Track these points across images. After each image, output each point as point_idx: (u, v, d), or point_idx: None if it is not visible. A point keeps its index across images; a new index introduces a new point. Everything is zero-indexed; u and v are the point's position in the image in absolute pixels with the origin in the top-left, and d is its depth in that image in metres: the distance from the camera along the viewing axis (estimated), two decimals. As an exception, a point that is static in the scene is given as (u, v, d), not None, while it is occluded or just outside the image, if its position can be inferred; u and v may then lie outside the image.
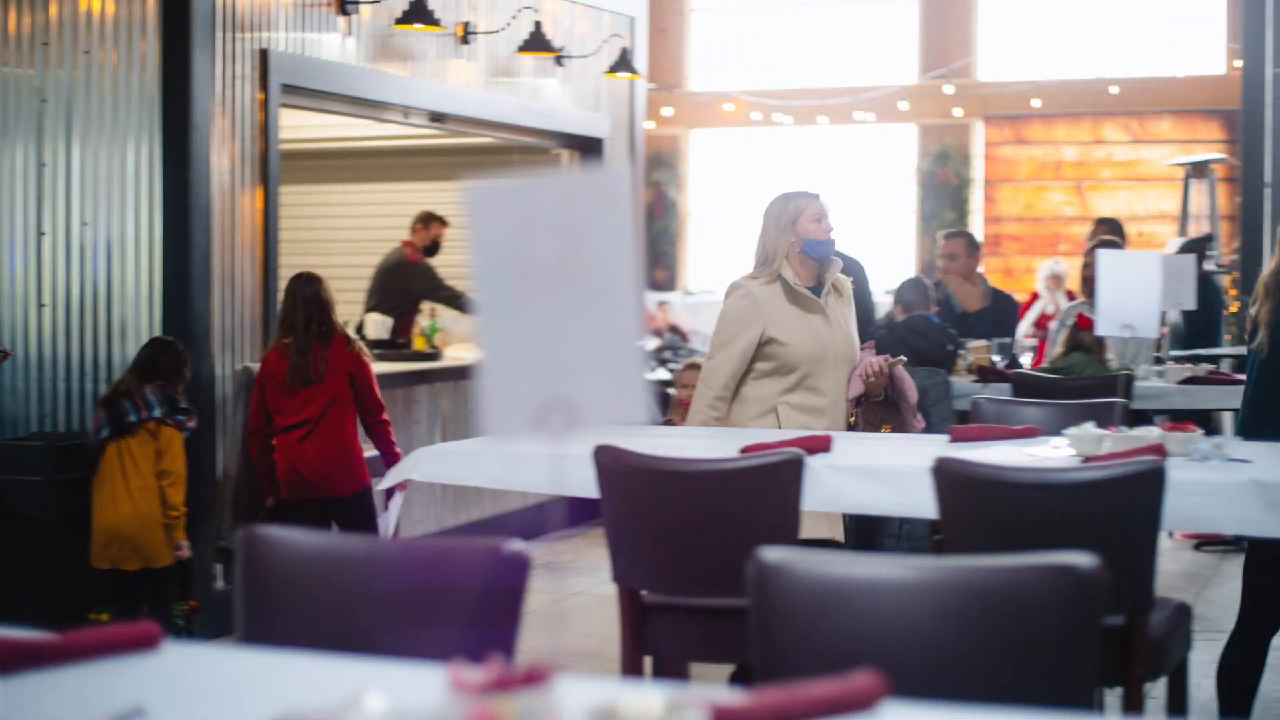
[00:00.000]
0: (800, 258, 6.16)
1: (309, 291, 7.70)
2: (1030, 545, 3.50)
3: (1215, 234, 13.30)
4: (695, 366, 7.66)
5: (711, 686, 3.76)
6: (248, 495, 8.13)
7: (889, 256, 18.49)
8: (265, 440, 7.73)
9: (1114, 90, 18.19)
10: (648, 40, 12.46)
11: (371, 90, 9.43)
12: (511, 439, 5.25)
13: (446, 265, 11.98)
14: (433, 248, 11.87)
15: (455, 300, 11.67)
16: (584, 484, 5.05)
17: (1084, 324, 8.42)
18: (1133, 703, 4.64)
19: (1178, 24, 18.48)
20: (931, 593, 2.85)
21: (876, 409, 6.40)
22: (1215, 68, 18.12)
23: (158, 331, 8.01)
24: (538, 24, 10.30)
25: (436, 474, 5.75)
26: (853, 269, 9.55)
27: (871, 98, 18.89)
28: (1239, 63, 12.78)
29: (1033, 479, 4.50)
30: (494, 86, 10.58)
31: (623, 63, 11.23)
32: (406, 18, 9.25)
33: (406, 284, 11.73)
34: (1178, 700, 5.09)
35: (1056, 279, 13.38)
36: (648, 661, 5.49)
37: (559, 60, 11.10)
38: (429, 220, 11.89)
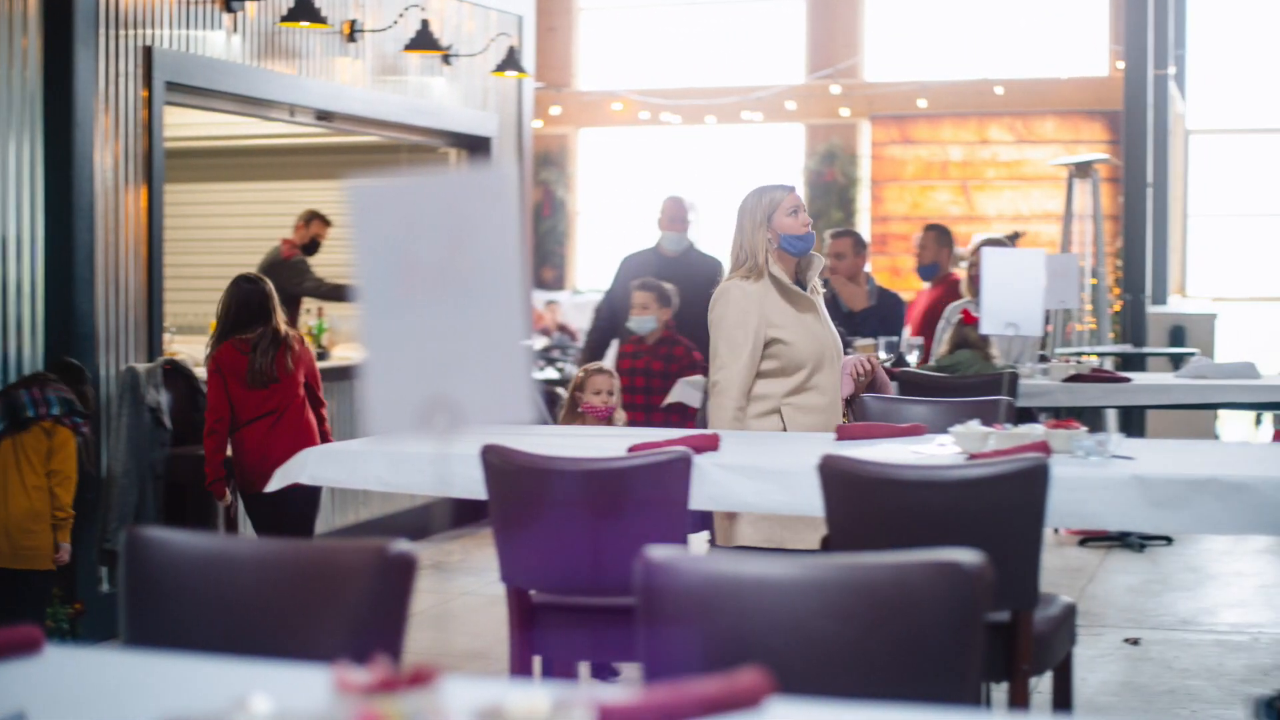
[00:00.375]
0: (778, 253, 6.02)
1: (259, 291, 7.69)
2: (916, 542, 3.53)
3: (1099, 232, 13.45)
4: (604, 371, 7.61)
5: (598, 686, 3.75)
6: (140, 494, 8.06)
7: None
8: (227, 433, 7.69)
9: (999, 91, 18.36)
10: (535, 39, 12.44)
11: (257, 88, 9.34)
12: (397, 439, 5.24)
13: (329, 265, 11.90)
14: (311, 246, 11.81)
15: (328, 293, 11.59)
16: (471, 484, 5.03)
17: (969, 320, 8.50)
18: (1018, 698, 4.68)
19: (1062, 26, 18.68)
20: (818, 590, 2.86)
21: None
22: (1099, 69, 18.33)
23: (40, 331, 7.90)
24: (425, 22, 10.26)
25: (323, 476, 5.70)
26: (711, 269, 9.62)
27: (759, 98, 18.96)
28: (1121, 64, 12.94)
29: (918, 477, 4.53)
30: (380, 85, 10.52)
31: (510, 61, 11.20)
32: (292, 15, 9.17)
33: (279, 280, 11.65)
34: (1062, 695, 5.14)
35: (942, 278, 13.47)
36: (537, 662, 5.48)
37: (446, 59, 11.05)
38: (311, 219, 11.83)
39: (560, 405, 8.25)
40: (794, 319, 5.96)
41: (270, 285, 7.81)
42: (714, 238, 12.30)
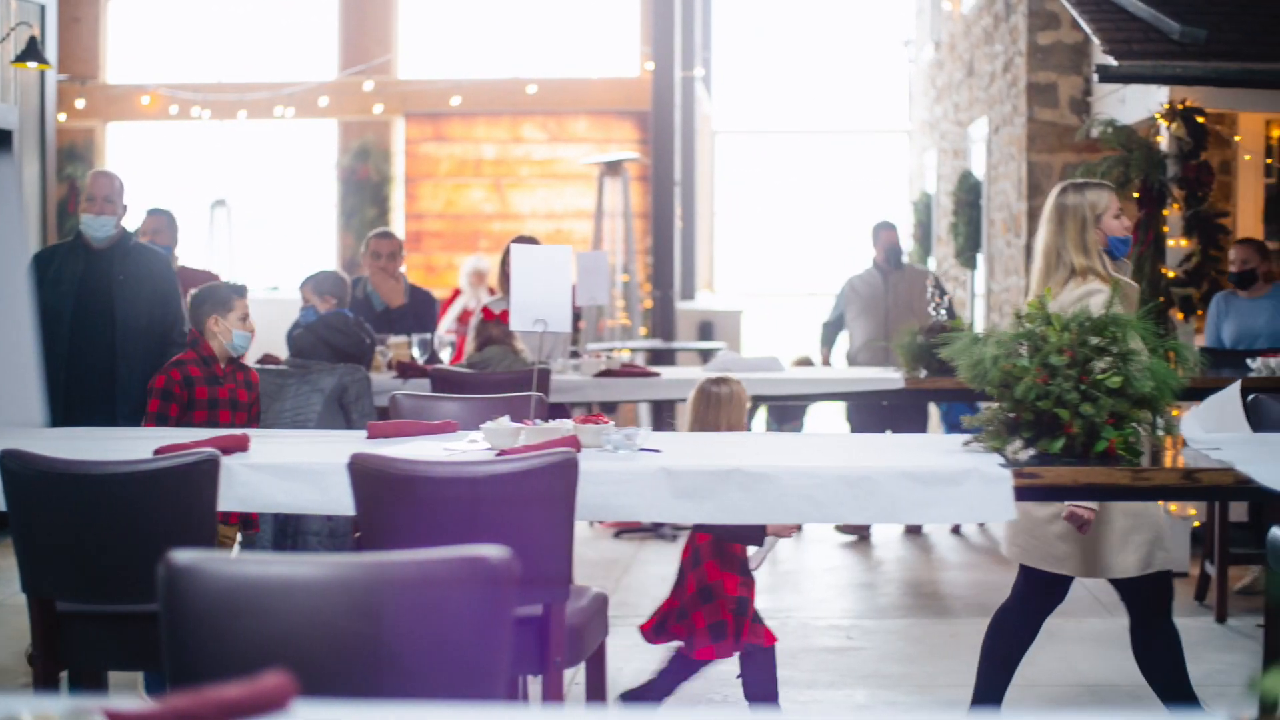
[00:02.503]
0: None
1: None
2: (447, 539, 3.53)
3: (629, 230, 13.72)
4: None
5: (121, 696, 3.64)
6: None
7: (311, 253, 18.37)
8: None
9: (532, 90, 18.55)
10: (59, 29, 12.01)
11: None
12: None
13: None
14: None
15: None
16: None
17: (489, 316, 8.59)
18: (552, 690, 4.73)
19: (594, 27, 18.99)
20: (345, 590, 2.83)
21: None
22: (629, 70, 18.70)
23: None
24: (-64, 9, 9.80)
25: None
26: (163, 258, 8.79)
27: (291, 93, 18.71)
28: (651, 66, 13.25)
29: (448, 473, 4.53)
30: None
31: (31, 52, 10.78)
32: None
33: None
34: (597, 685, 5.23)
35: (478, 275, 13.55)
36: (66, 673, 5.29)
37: (-39, 48, 10.59)
38: None
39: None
40: None
41: None
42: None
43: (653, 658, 7.37)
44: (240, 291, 6.75)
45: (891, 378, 9.03)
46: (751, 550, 6.12)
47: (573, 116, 18.65)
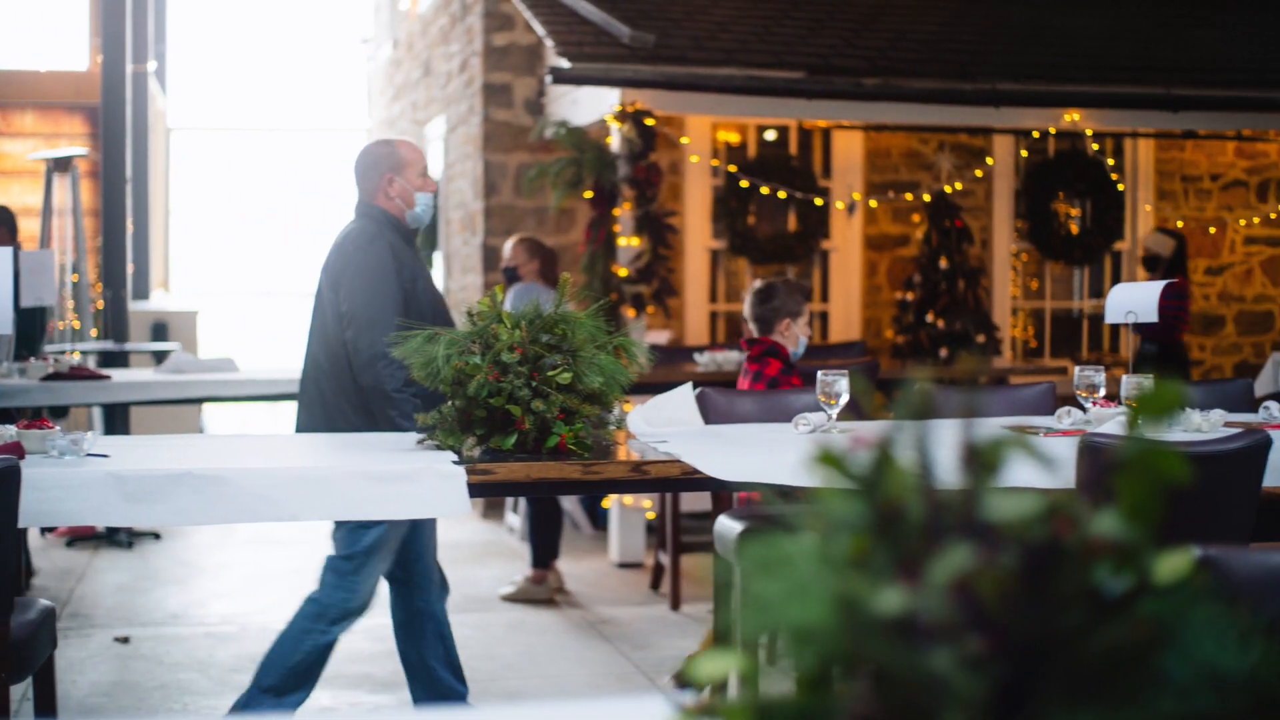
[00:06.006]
0: None
1: None
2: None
3: (79, 228, 13.29)
4: None
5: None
6: None
7: None
8: None
9: (-27, 82, 17.77)
10: None
11: None
12: None
13: None
14: None
15: None
16: None
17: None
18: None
19: (42, 17, 18.31)
20: None
21: None
22: (79, 63, 18.11)
23: None
24: None
25: None
26: None
27: None
28: (101, 58, 12.83)
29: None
30: None
31: None
32: None
33: None
34: (46, 699, 5.06)
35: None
36: None
37: None
38: None
39: None
40: None
41: None
42: None
43: (111, 668, 7.20)
44: None
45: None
46: None
47: (19, 110, 17.95)
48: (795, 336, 7.09)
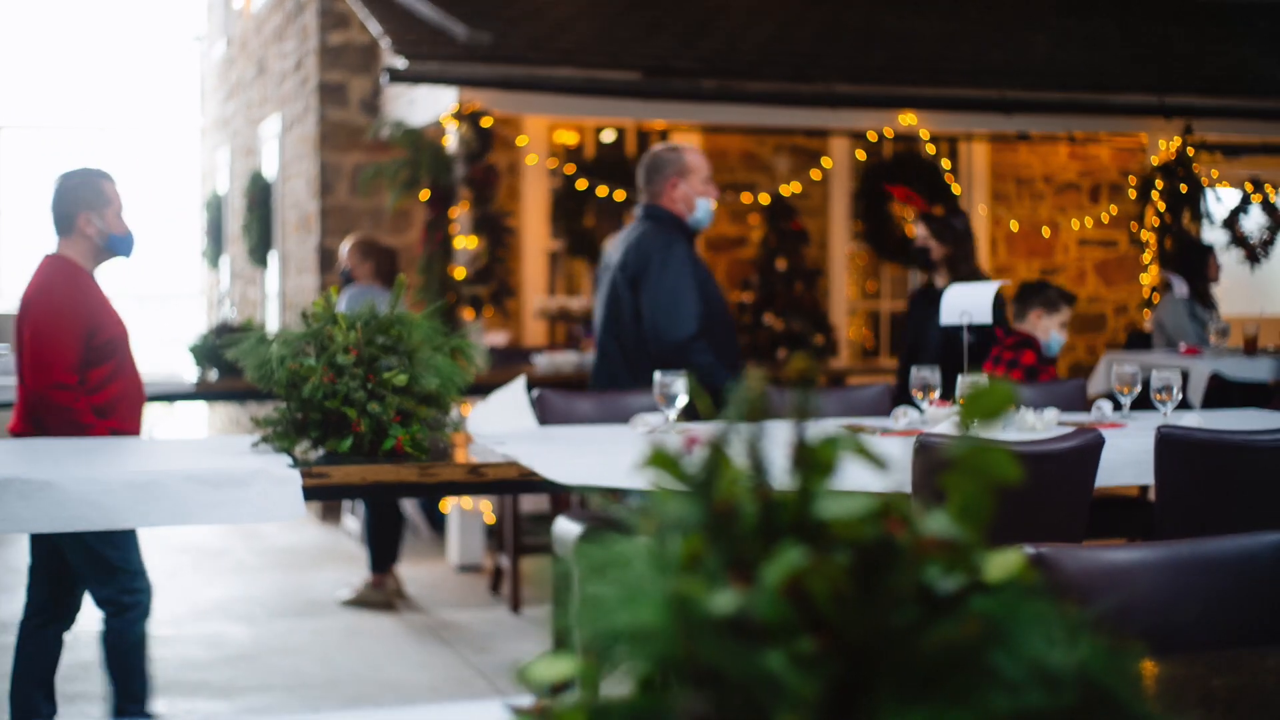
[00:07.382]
0: None
1: None
2: None
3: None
4: None
5: None
6: None
7: None
8: None
9: None
10: None
11: None
12: None
13: None
14: None
15: None
16: None
17: None
18: None
19: None
20: None
21: None
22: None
23: None
24: None
25: None
26: None
27: None
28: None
29: None
30: None
31: None
32: None
33: None
34: None
35: None
36: None
37: None
38: None
39: None
40: None
41: None
42: None
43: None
44: None
45: (185, 381, 8.90)
46: None
47: None
48: (1047, 329, 7.53)
